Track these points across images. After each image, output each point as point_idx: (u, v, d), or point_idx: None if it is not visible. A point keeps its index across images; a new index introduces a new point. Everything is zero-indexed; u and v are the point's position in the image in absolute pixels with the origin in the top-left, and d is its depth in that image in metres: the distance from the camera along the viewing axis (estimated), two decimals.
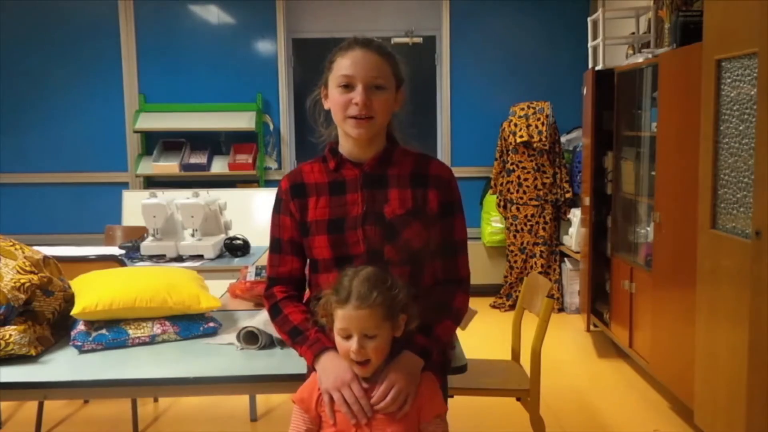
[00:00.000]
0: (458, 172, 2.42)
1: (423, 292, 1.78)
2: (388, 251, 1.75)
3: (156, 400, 3.81)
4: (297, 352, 1.78)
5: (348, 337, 1.59)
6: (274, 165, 6.16)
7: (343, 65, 1.74)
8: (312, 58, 6.38)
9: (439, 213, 1.80)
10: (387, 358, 1.65)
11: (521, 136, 5.51)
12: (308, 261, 1.88)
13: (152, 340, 2.26)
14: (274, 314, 1.84)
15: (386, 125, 1.82)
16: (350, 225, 1.77)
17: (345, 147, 1.83)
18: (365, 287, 1.59)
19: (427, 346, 1.70)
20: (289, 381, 1.98)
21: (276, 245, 1.87)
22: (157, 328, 2.27)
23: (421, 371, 1.67)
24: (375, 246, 1.75)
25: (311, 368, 1.72)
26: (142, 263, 3.51)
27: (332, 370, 1.63)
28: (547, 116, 5.52)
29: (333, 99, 1.77)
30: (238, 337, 2.21)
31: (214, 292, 2.55)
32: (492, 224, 5.94)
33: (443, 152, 6.13)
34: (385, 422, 1.59)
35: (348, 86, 1.73)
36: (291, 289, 1.86)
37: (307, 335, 1.73)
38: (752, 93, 2.63)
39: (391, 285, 1.63)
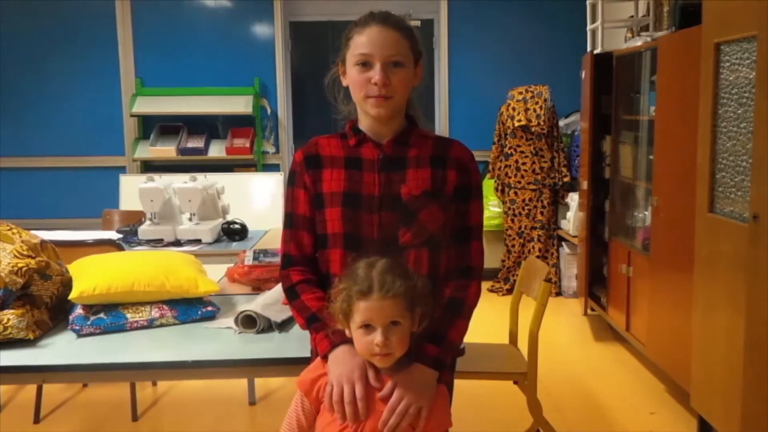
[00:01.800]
0: None
1: (440, 280, 1.74)
2: (403, 235, 1.71)
3: (155, 384, 3.83)
4: (311, 337, 1.73)
5: (370, 331, 1.54)
6: (271, 149, 6.15)
7: (360, 43, 1.70)
8: (310, 42, 6.36)
9: (454, 196, 1.76)
10: (402, 358, 1.60)
11: (519, 120, 5.50)
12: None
13: (150, 324, 2.26)
14: (291, 297, 1.78)
15: (405, 102, 1.78)
16: (365, 206, 1.72)
17: (364, 124, 1.79)
18: (388, 277, 1.54)
19: (441, 357, 1.64)
20: (288, 365, 1.99)
21: (289, 220, 1.81)
22: (155, 312, 2.27)
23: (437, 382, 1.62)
24: (390, 233, 1.71)
25: (318, 355, 1.68)
26: (139, 247, 3.50)
27: (345, 363, 1.58)
28: (545, 100, 5.51)
29: (351, 77, 1.73)
30: (236, 320, 2.21)
31: (212, 276, 2.55)
32: (490, 208, 5.94)
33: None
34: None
35: (366, 64, 1.69)
36: (307, 271, 1.79)
37: (328, 323, 1.66)
38: (751, 77, 2.62)
39: (409, 274, 1.59)
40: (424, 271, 1.71)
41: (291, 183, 1.82)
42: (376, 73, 1.68)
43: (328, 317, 1.65)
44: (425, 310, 1.60)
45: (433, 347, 1.64)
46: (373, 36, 1.70)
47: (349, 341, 1.61)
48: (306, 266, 1.80)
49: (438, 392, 1.63)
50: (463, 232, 1.78)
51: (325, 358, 1.64)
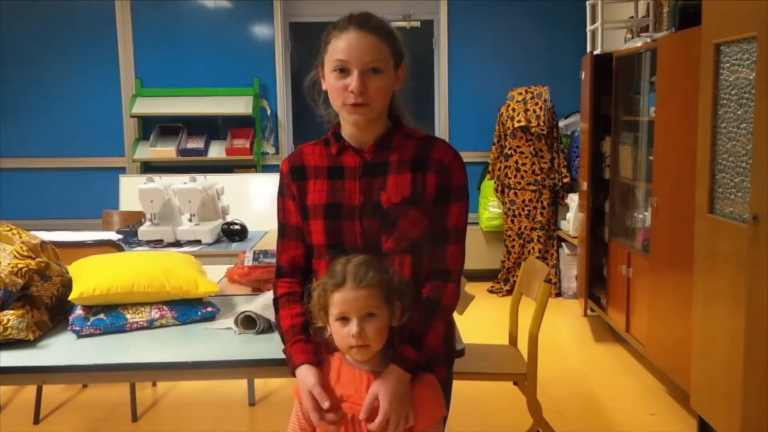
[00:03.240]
0: None
1: (419, 280, 1.75)
2: (385, 242, 1.71)
3: (154, 385, 3.83)
4: None
5: (346, 323, 1.57)
6: (271, 150, 6.15)
7: (338, 48, 1.67)
8: (309, 42, 6.36)
9: (434, 198, 1.74)
10: (383, 350, 1.62)
11: (519, 121, 5.50)
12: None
13: (150, 325, 2.26)
14: (275, 310, 1.82)
15: (385, 107, 1.76)
16: (347, 215, 1.73)
17: (346, 129, 1.78)
18: (361, 269, 1.57)
19: (417, 361, 1.65)
20: (287, 365, 1.99)
21: (281, 230, 1.83)
22: (155, 313, 2.27)
23: (411, 379, 1.64)
24: (372, 239, 1.71)
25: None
26: (139, 248, 3.50)
27: (301, 392, 1.64)
28: (545, 101, 5.51)
29: (329, 83, 1.71)
30: (236, 321, 2.21)
31: (212, 276, 2.55)
32: (489, 209, 5.95)
33: (441, 137, 6.11)
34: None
35: (343, 70, 1.67)
36: (294, 283, 1.80)
37: (285, 349, 1.72)
38: (751, 77, 2.62)
39: (386, 268, 1.61)
40: (406, 276, 1.71)
41: (281, 193, 1.82)
42: (353, 81, 1.65)
43: (291, 337, 1.71)
44: (405, 304, 1.62)
45: (411, 350, 1.64)
46: (350, 42, 1.67)
47: (300, 364, 1.66)
48: (294, 278, 1.81)
49: (425, 382, 1.65)
50: (441, 235, 1.75)
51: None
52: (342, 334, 1.57)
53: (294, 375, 1.68)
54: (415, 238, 1.72)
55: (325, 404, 1.59)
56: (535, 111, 5.49)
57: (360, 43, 1.66)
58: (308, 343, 1.70)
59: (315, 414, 1.60)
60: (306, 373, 1.64)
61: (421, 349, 1.66)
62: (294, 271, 1.81)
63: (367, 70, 1.66)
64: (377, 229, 1.72)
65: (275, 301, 1.81)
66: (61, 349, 2.09)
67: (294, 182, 1.79)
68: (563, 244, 5.68)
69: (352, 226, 1.73)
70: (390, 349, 1.63)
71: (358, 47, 1.66)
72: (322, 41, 1.74)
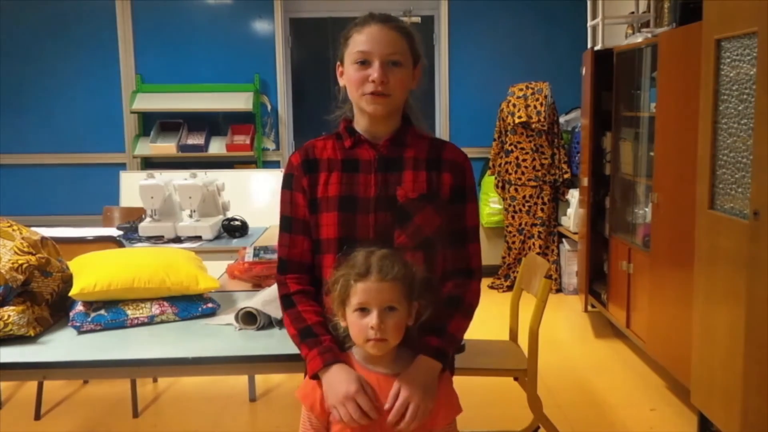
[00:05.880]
0: None
1: (436, 280, 1.74)
2: (398, 237, 1.71)
3: (155, 381, 3.83)
4: (301, 352, 1.68)
5: (365, 314, 1.55)
6: (271, 146, 6.15)
7: (360, 41, 1.70)
8: (310, 38, 6.36)
9: (450, 198, 1.76)
10: (396, 350, 1.61)
11: (520, 117, 5.50)
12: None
13: (151, 321, 2.26)
14: (286, 306, 1.75)
15: (403, 102, 1.78)
16: (362, 208, 1.73)
17: (360, 124, 1.79)
18: (387, 262, 1.56)
19: (442, 347, 1.65)
20: (288, 361, 1.99)
21: (287, 224, 1.80)
22: (155, 309, 2.27)
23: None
24: (385, 233, 1.71)
25: (311, 372, 1.65)
26: (140, 244, 3.51)
27: (340, 382, 1.56)
28: (545, 97, 5.50)
29: (349, 75, 1.73)
30: (236, 317, 2.22)
31: (213, 273, 2.55)
32: (490, 205, 5.95)
33: (441, 133, 6.12)
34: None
35: (364, 62, 1.70)
36: (305, 280, 1.78)
37: (321, 340, 1.64)
38: (752, 73, 2.62)
39: (409, 264, 1.61)
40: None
41: (288, 186, 1.80)
42: (374, 71, 1.68)
43: (322, 332, 1.66)
44: (422, 303, 1.61)
45: (434, 338, 1.65)
46: (372, 34, 1.70)
47: (341, 360, 1.61)
48: (304, 274, 1.78)
49: (444, 379, 1.64)
50: (460, 235, 1.78)
51: (316, 377, 1.62)
52: (360, 325, 1.55)
53: (319, 371, 1.61)
54: (429, 234, 1.73)
55: (373, 414, 1.54)
56: (535, 107, 5.49)
57: (382, 36, 1.71)
58: (333, 342, 1.66)
59: (359, 414, 1.53)
60: (346, 375, 1.58)
61: (444, 336, 1.66)
62: (301, 266, 1.79)
63: (387, 62, 1.70)
64: (390, 223, 1.72)
65: (287, 296, 1.76)
66: (62, 345, 2.09)
67: (305, 175, 1.78)
68: (564, 240, 5.68)
69: (366, 219, 1.73)
70: (402, 350, 1.62)
71: (379, 39, 1.70)
72: (341, 38, 1.76)
